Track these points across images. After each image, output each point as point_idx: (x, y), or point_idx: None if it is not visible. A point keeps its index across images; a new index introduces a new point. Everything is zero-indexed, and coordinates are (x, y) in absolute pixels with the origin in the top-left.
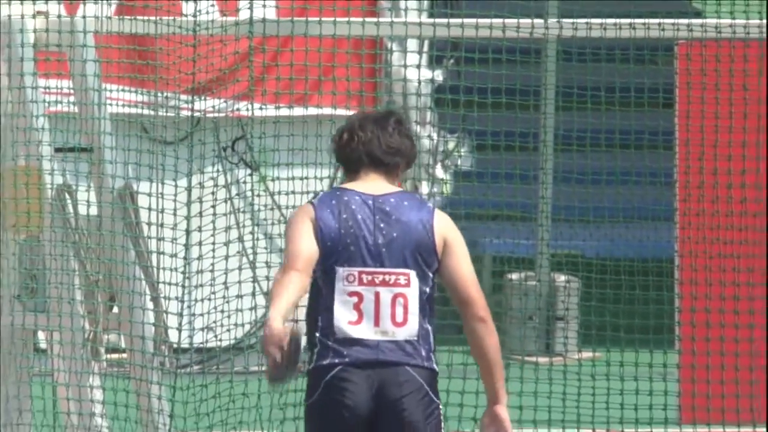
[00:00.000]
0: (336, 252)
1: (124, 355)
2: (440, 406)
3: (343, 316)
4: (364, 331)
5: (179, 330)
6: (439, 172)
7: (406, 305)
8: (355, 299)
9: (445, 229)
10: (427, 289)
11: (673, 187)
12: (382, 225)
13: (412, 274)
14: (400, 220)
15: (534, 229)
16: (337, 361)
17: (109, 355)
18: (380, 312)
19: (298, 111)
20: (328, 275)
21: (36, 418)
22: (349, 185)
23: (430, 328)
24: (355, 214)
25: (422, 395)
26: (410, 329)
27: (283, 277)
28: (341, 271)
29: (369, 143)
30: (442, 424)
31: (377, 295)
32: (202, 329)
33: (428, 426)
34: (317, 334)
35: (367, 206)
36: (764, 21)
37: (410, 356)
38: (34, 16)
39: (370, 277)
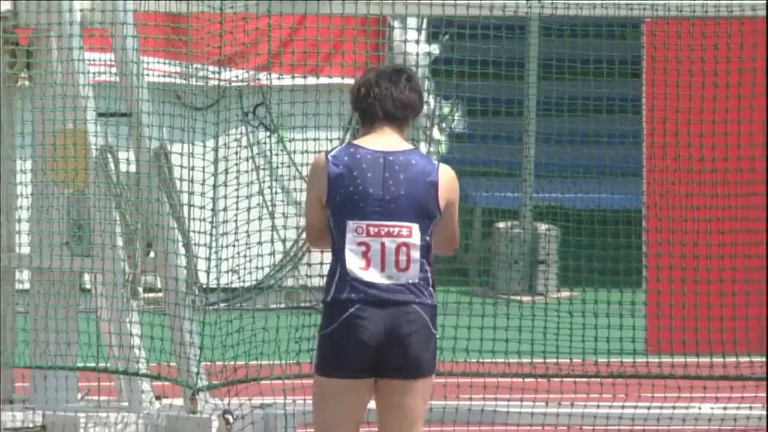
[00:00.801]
0: (346, 207)
1: (160, 295)
2: (437, 337)
3: (353, 263)
4: (372, 275)
5: (207, 272)
6: (436, 133)
7: (409, 253)
8: (363, 248)
9: (449, 188)
10: (427, 238)
11: (641, 146)
12: (390, 182)
13: (415, 227)
14: (408, 177)
15: (518, 184)
16: (354, 296)
17: (146, 295)
18: (385, 259)
19: (311, 80)
20: (341, 226)
21: (82, 350)
22: (363, 141)
23: (429, 269)
24: (366, 172)
25: (426, 330)
26: (412, 274)
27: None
28: (351, 224)
29: (384, 99)
30: (437, 351)
31: (383, 245)
32: (228, 271)
33: (428, 354)
34: (338, 271)
35: (377, 164)
36: (720, 1)
37: (415, 295)
38: None
39: (376, 230)
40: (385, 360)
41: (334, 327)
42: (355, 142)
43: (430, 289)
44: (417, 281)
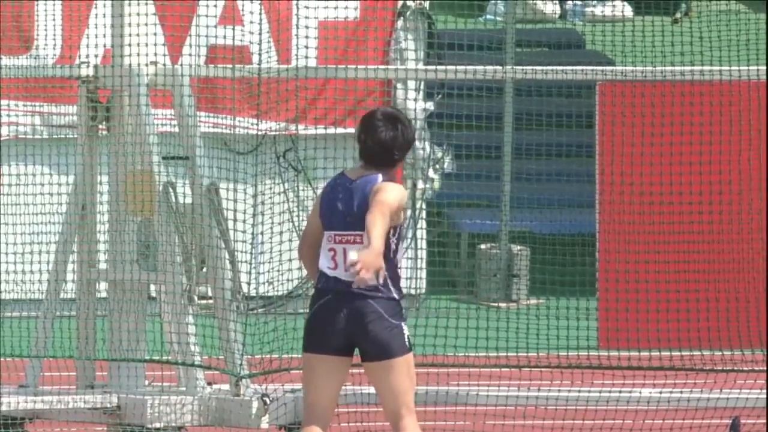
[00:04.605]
0: (325, 220)
1: (211, 302)
2: (401, 325)
3: (324, 264)
4: (338, 273)
5: (249, 284)
6: (431, 173)
7: None
8: (332, 253)
9: (374, 190)
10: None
11: (594, 183)
12: (352, 202)
13: (365, 235)
14: (361, 195)
15: (497, 214)
16: (327, 287)
17: (200, 301)
18: (347, 261)
19: (331, 131)
20: (322, 235)
21: (149, 346)
22: (346, 171)
23: (385, 269)
24: (338, 194)
25: (382, 320)
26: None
27: (302, 255)
28: (326, 234)
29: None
30: (406, 335)
31: (345, 250)
32: (265, 283)
33: (391, 339)
34: (319, 269)
35: (345, 187)
36: (655, 68)
37: (372, 291)
38: (147, 65)
39: (340, 238)
40: (358, 346)
41: (313, 312)
42: (344, 171)
43: (389, 285)
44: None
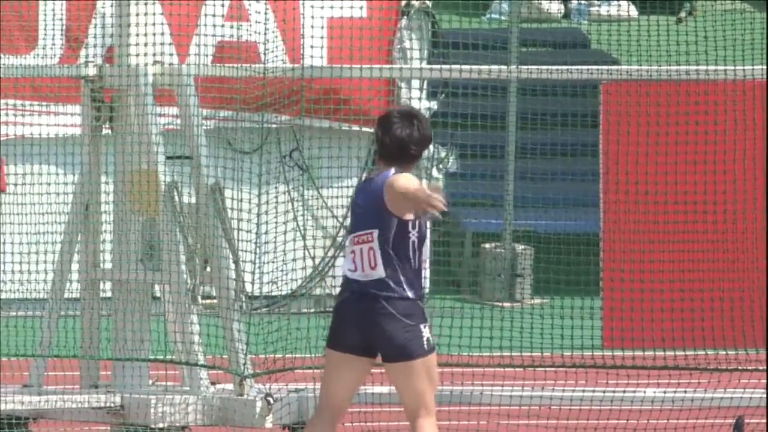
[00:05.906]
0: (350, 225)
1: (215, 301)
2: (419, 326)
3: (345, 267)
4: (357, 275)
5: (252, 283)
6: (435, 173)
7: (374, 255)
8: (352, 255)
9: (388, 184)
10: (390, 238)
11: (598, 182)
12: (362, 202)
13: (375, 232)
14: (368, 193)
15: (501, 213)
16: (344, 288)
17: (203, 301)
18: (363, 262)
19: (336, 130)
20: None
21: (153, 345)
22: (371, 174)
23: (398, 267)
24: (357, 197)
25: (395, 320)
26: (379, 271)
27: None
28: (349, 237)
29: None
30: (425, 336)
31: (360, 250)
32: (269, 282)
33: (406, 340)
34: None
35: (363, 189)
36: (661, 67)
37: (384, 290)
38: (153, 64)
39: (357, 239)
40: (375, 347)
41: (334, 310)
42: (370, 175)
43: (402, 284)
44: (384, 277)
